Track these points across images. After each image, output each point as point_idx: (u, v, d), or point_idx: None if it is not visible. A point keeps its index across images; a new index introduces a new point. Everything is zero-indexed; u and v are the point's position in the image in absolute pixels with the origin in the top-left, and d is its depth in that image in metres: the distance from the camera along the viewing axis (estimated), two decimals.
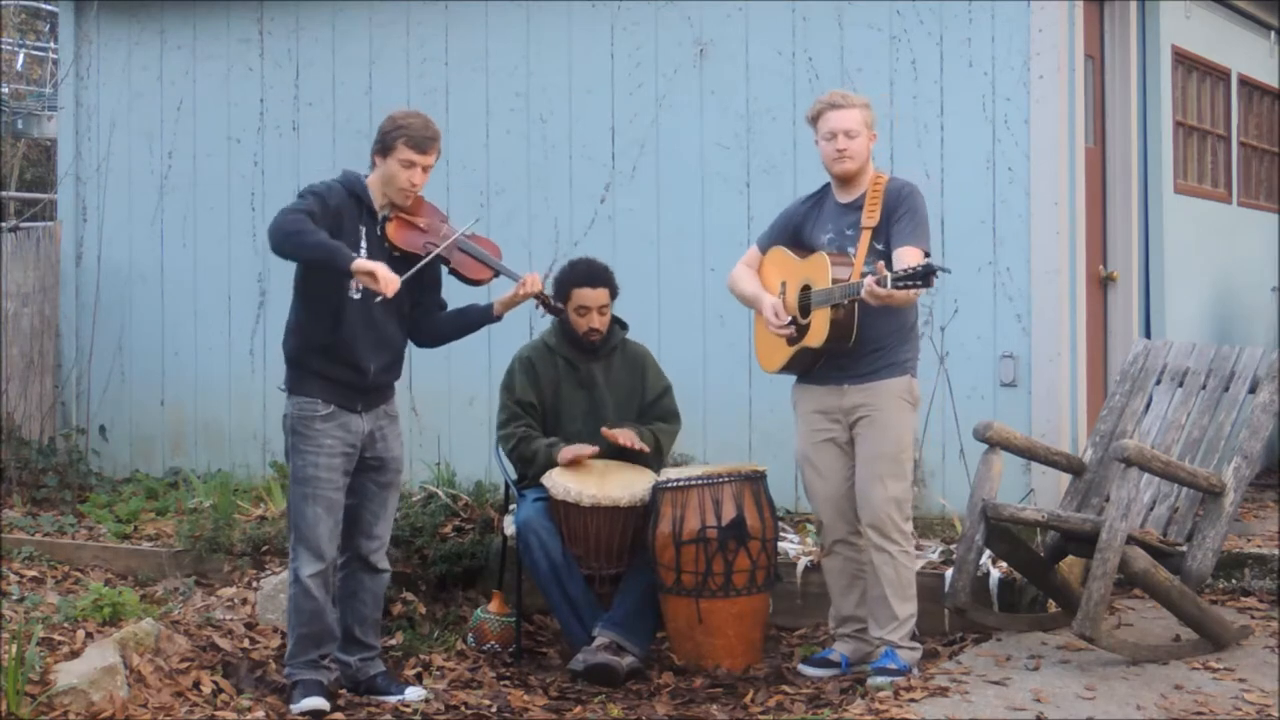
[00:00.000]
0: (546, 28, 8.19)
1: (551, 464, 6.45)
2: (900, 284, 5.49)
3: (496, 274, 5.86)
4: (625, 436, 6.48)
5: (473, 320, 5.94)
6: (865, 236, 5.84)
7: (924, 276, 5.46)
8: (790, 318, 5.94)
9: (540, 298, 5.88)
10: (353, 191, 5.66)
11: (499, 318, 5.90)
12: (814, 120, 6.00)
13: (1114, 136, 8.07)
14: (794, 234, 6.09)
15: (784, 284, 5.99)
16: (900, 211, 5.83)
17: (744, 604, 6.27)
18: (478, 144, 8.32)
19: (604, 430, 6.49)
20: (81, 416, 9.26)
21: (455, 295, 6.02)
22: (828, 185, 6.08)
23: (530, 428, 6.56)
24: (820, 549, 6.22)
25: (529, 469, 6.55)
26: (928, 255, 5.82)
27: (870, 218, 5.86)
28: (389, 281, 5.40)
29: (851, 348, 5.84)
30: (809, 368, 6.01)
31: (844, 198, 5.99)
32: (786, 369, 6.07)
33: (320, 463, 5.63)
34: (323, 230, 5.45)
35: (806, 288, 5.89)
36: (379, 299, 5.47)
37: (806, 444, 6.06)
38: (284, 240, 5.43)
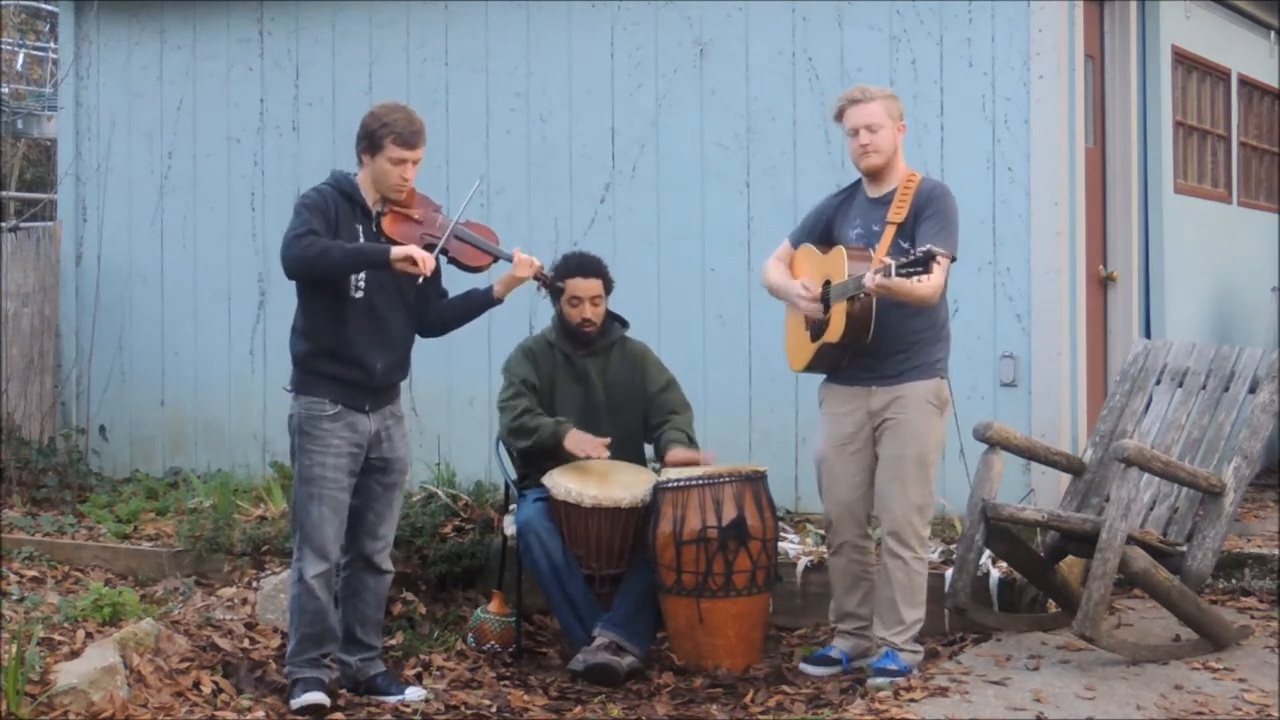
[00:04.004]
0: (546, 28, 8.19)
1: (557, 440, 6.40)
2: (903, 271, 5.46)
3: (495, 259, 5.87)
4: (692, 457, 6.43)
5: (476, 304, 5.95)
6: (889, 231, 5.81)
7: (924, 263, 5.42)
8: (818, 294, 5.89)
9: (539, 277, 5.90)
10: (344, 192, 5.68)
11: (500, 299, 5.92)
12: (838, 118, 5.99)
13: (1114, 136, 8.07)
14: (825, 229, 6.07)
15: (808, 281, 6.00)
16: (929, 211, 5.79)
17: (744, 604, 6.27)
18: (478, 144, 8.32)
19: (670, 456, 6.44)
20: (81, 416, 9.26)
21: (455, 282, 6.02)
22: (859, 180, 6.06)
23: (534, 404, 6.55)
24: (826, 546, 6.21)
25: (525, 440, 6.49)
26: (954, 259, 5.80)
27: (898, 213, 5.83)
28: (426, 260, 5.49)
29: (872, 344, 5.81)
30: (835, 365, 5.98)
31: (874, 192, 5.97)
32: (811, 367, 6.05)
33: (327, 463, 5.63)
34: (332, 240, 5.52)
35: (827, 283, 5.88)
36: (420, 280, 5.53)
37: (828, 444, 6.04)
38: (309, 266, 5.52)
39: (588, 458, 6.37)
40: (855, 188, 6.08)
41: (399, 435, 5.85)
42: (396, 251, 5.49)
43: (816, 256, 6.00)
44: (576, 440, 6.38)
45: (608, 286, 6.64)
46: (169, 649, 5.91)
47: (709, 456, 6.50)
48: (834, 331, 5.83)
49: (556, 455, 6.47)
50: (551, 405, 6.61)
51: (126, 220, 9.27)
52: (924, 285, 5.58)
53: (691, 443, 6.60)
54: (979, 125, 7.27)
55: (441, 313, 5.93)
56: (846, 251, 5.82)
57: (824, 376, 6.10)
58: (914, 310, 5.80)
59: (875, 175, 5.95)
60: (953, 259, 5.80)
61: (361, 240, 5.64)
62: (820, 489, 6.15)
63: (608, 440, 6.41)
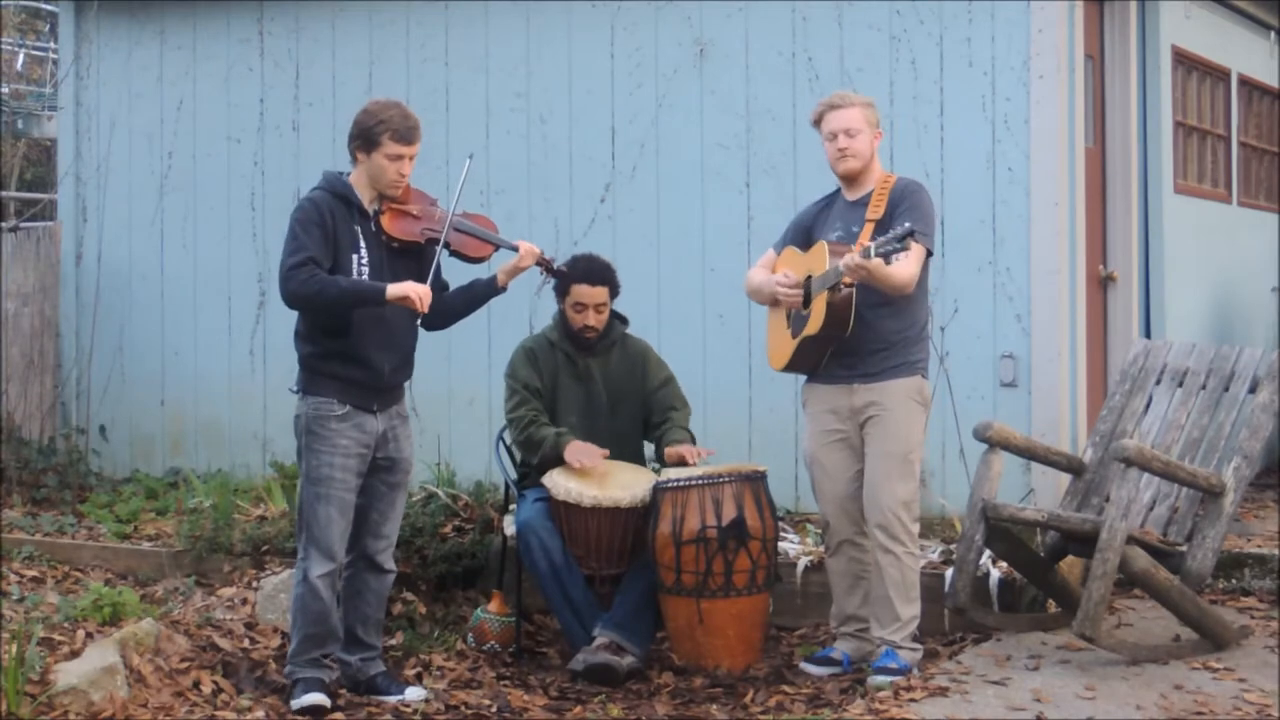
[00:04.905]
0: (546, 28, 8.19)
1: (558, 452, 6.41)
2: (882, 250, 5.49)
3: (496, 248, 5.87)
4: (690, 453, 6.44)
5: (480, 294, 5.94)
6: (869, 228, 5.87)
7: (901, 239, 5.48)
8: (799, 281, 5.94)
9: (542, 262, 5.90)
10: (339, 194, 5.66)
11: (504, 287, 5.90)
12: (816, 123, 6.06)
13: (1114, 136, 8.07)
14: (806, 235, 6.12)
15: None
16: (904, 206, 5.86)
17: (744, 604, 6.27)
18: (478, 144, 8.31)
19: (669, 452, 6.47)
20: (81, 416, 9.26)
21: (456, 272, 6.01)
22: (838, 189, 6.12)
23: (540, 412, 6.55)
24: (824, 549, 6.22)
25: (533, 454, 6.51)
26: (930, 253, 5.85)
27: (875, 210, 5.90)
28: (424, 298, 5.49)
29: (853, 341, 5.85)
30: (815, 364, 6.01)
31: (852, 196, 6.03)
32: (792, 365, 6.08)
33: (335, 463, 5.62)
34: (328, 270, 5.52)
35: (809, 278, 5.91)
36: (420, 319, 5.52)
37: (815, 444, 6.07)
38: (304, 303, 5.55)
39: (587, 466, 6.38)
40: (834, 196, 6.15)
41: (405, 435, 5.85)
42: (393, 291, 5.48)
43: (800, 256, 6.05)
44: (574, 452, 6.38)
45: (614, 293, 6.63)
46: (169, 649, 5.91)
47: (707, 453, 6.50)
48: (814, 324, 5.87)
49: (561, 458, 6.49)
50: (554, 405, 6.61)
51: (126, 220, 9.27)
52: (900, 270, 5.63)
53: (693, 440, 6.61)
54: (979, 125, 7.27)
55: (445, 306, 5.91)
56: (828, 246, 5.86)
57: (804, 379, 6.13)
58: (894, 309, 5.85)
59: (852, 180, 6.02)
60: (929, 253, 5.85)
61: (361, 241, 5.64)
62: (813, 491, 6.17)
63: (605, 452, 6.42)
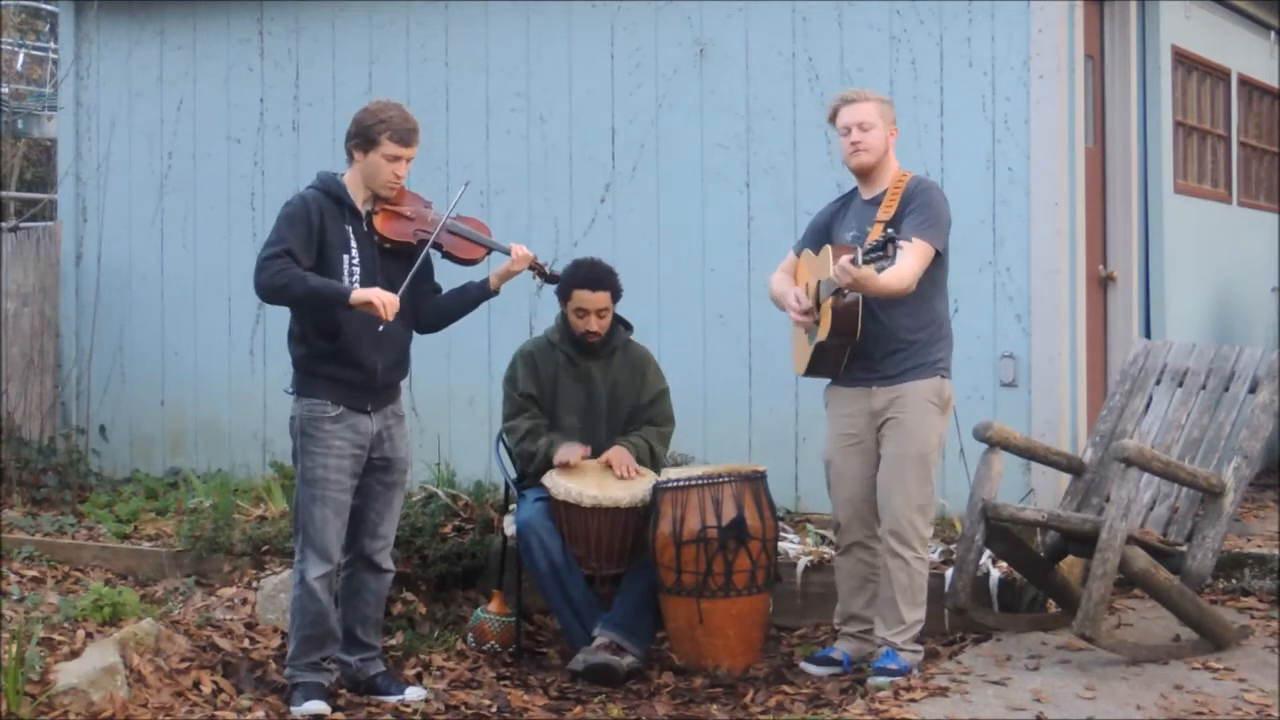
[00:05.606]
0: (546, 28, 8.19)
1: (549, 463, 6.45)
2: (868, 257, 5.47)
3: (489, 251, 5.87)
4: (618, 464, 6.45)
5: (472, 297, 5.93)
6: (878, 229, 5.83)
7: (883, 247, 5.45)
8: (810, 306, 5.94)
9: (534, 267, 5.90)
10: (331, 194, 5.65)
11: (496, 291, 5.89)
12: (832, 119, 6.04)
13: (1114, 136, 8.07)
14: (824, 235, 6.10)
15: (806, 284, 6.03)
16: (913, 205, 5.83)
17: (744, 604, 6.27)
18: (478, 144, 8.32)
19: (600, 460, 6.50)
20: (81, 416, 9.26)
21: (450, 275, 6.01)
22: (855, 188, 6.10)
23: (537, 422, 6.55)
24: (835, 546, 6.22)
25: (528, 466, 6.55)
26: (939, 253, 5.82)
27: (886, 211, 5.87)
28: (389, 306, 5.46)
29: (868, 343, 5.83)
30: (835, 368, 5.99)
31: (867, 194, 6.01)
32: (812, 370, 6.05)
33: (330, 464, 5.61)
34: (308, 267, 5.50)
35: (819, 284, 5.90)
36: (381, 327, 5.50)
37: (832, 447, 6.06)
38: (273, 295, 5.56)
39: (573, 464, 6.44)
40: (851, 195, 6.13)
41: (400, 435, 5.84)
42: (357, 295, 5.47)
43: (813, 260, 6.04)
44: (560, 455, 6.43)
45: (616, 297, 6.61)
46: (169, 649, 5.91)
47: (636, 473, 6.47)
48: (823, 329, 5.86)
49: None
50: (554, 406, 6.61)
51: (126, 220, 9.27)
52: (893, 276, 5.61)
53: (647, 453, 6.58)
54: (979, 125, 7.27)
55: (438, 309, 5.92)
56: (834, 249, 5.84)
57: (828, 380, 6.11)
58: (909, 308, 5.82)
59: (867, 176, 5.99)
60: (937, 252, 5.82)
61: (352, 241, 5.63)
62: (829, 491, 6.16)
63: (587, 449, 6.46)
